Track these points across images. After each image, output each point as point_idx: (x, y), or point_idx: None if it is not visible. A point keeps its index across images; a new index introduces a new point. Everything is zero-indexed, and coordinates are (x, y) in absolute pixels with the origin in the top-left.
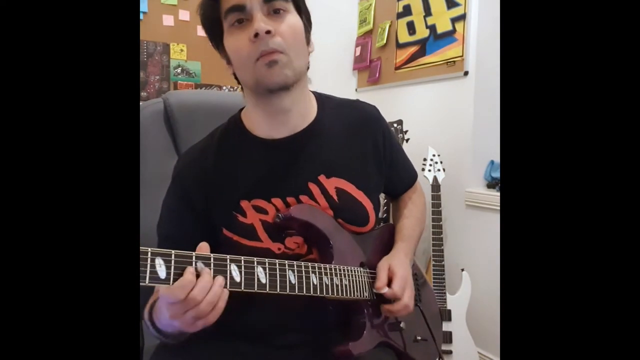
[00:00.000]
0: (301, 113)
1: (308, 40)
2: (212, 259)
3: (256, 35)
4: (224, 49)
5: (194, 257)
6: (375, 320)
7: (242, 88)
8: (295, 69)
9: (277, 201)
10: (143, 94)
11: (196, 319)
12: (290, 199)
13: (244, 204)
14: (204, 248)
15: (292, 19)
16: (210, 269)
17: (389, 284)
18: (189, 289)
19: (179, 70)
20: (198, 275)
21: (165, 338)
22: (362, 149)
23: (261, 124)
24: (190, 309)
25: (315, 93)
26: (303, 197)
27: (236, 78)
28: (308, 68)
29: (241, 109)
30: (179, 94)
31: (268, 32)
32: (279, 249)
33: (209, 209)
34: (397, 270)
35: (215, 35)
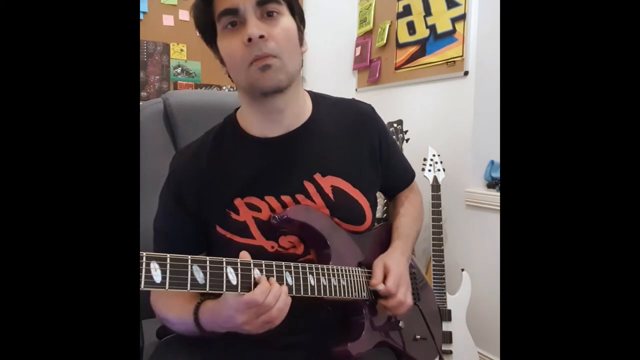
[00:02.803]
0: (295, 112)
1: (301, 41)
2: (207, 262)
3: (249, 40)
4: (218, 50)
5: (189, 261)
6: (374, 320)
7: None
8: (289, 72)
9: (271, 199)
10: (143, 94)
11: (266, 323)
12: (285, 198)
13: (237, 201)
14: (245, 256)
15: (286, 21)
16: (206, 272)
17: (384, 281)
18: (266, 294)
19: (179, 70)
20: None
21: (206, 334)
22: (358, 148)
23: (255, 124)
24: (263, 314)
25: (310, 92)
26: (299, 196)
27: (230, 77)
28: (301, 67)
29: (237, 109)
30: (178, 94)
31: (261, 36)
32: (272, 247)
33: (202, 207)
34: (392, 267)
35: (209, 36)
